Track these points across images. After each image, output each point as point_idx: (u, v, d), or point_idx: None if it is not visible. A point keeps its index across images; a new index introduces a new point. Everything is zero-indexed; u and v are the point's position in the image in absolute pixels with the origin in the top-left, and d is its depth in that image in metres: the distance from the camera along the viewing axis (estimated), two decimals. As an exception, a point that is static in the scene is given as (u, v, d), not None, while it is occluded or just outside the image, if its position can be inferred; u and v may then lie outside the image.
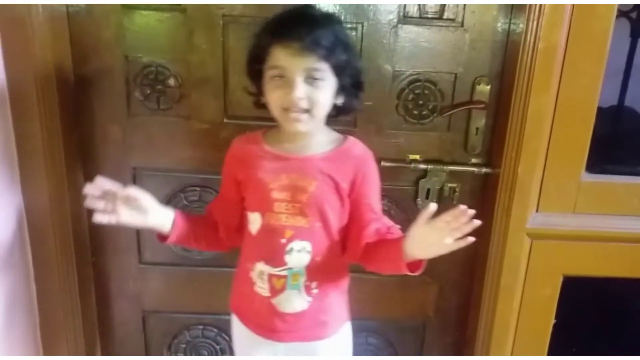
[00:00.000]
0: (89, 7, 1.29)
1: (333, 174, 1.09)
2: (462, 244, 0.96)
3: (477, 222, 0.95)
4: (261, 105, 1.13)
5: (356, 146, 1.14)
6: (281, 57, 1.01)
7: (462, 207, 0.95)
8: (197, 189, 1.47)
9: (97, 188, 1.05)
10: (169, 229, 1.12)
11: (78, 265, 1.43)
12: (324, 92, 1.04)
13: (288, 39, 0.99)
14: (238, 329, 1.23)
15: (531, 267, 1.42)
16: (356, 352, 1.62)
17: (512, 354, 1.51)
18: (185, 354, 1.64)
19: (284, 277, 1.11)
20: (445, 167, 1.41)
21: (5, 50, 1.22)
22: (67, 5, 1.29)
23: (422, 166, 1.41)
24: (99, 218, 1.05)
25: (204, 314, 1.60)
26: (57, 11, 1.27)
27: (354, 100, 1.11)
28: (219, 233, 1.19)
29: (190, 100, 1.37)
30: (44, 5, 1.22)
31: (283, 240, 1.09)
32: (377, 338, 1.63)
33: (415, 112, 1.39)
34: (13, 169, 1.29)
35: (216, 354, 1.64)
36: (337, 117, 1.14)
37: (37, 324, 1.44)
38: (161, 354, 1.64)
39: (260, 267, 1.12)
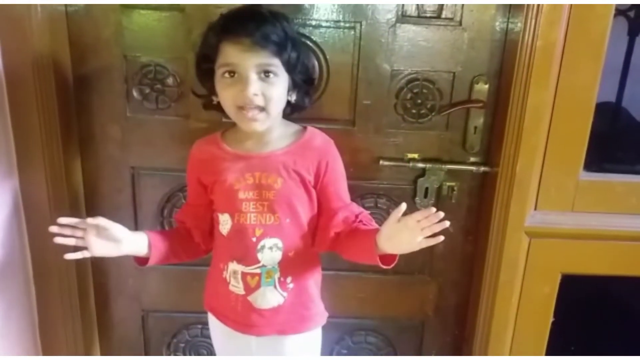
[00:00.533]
0: (88, 7, 1.29)
1: (297, 167, 1.09)
2: (432, 242, 0.98)
3: (447, 223, 0.97)
4: (212, 106, 1.14)
5: (316, 136, 1.14)
6: (232, 54, 1.00)
7: (432, 209, 0.98)
8: (196, 188, 1.47)
9: (63, 224, 1.04)
10: (146, 252, 1.13)
11: (77, 264, 1.43)
12: (278, 87, 1.03)
13: (238, 35, 0.99)
14: (214, 325, 1.24)
15: (529, 265, 1.42)
16: (355, 351, 1.63)
17: (510, 353, 1.51)
18: (184, 354, 1.65)
19: (258, 274, 1.12)
20: (443, 166, 1.41)
21: (4, 50, 1.22)
22: (66, 5, 1.29)
23: (421, 165, 1.41)
24: (71, 256, 1.06)
25: (203, 313, 1.56)
26: (56, 11, 1.27)
27: (306, 97, 1.13)
28: (194, 240, 1.20)
29: (188, 100, 1.37)
30: (42, 5, 1.22)
31: (254, 239, 1.10)
32: (376, 337, 1.63)
33: (414, 111, 1.39)
34: (12, 167, 1.29)
35: (215, 354, 1.63)
36: (291, 115, 1.15)
37: (35, 323, 1.44)
38: (160, 354, 1.64)
39: (233, 266, 1.13)
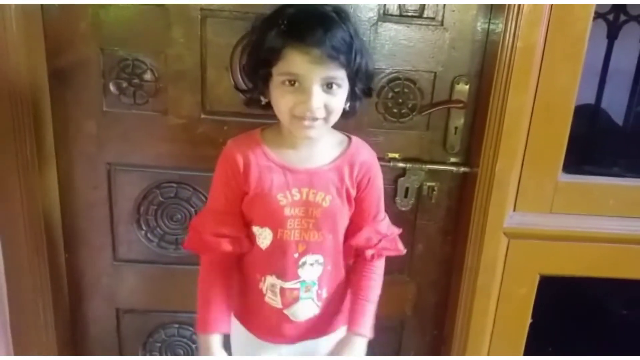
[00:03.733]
0: (64, -1, 1.26)
1: (345, 184, 1.05)
2: None
3: None
4: (255, 104, 1.06)
5: (362, 150, 1.09)
6: (298, 64, 0.92)
7: None
8: (174, 185, 1.44)
9: None
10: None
11: (50, 263, 1.40)
12: (340, 99, 0.97)
13: (306, 44, 0.90)
14: (238, 331, 1.17)
15: (508, 266, 1.43)
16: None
17: (489, 352, 1.51)
18: (160, 353, 1.62)
19: (297, 289, 1.08)
20: (424, 166, 1.41)
21: (-25, 41, 1.19)
22: (41, -4, 1.26)
23: (401, 165, 1.41)
24: None
25: (180, 313, 1.57)
26: (31, 2, 1.24)
27: (358, 104, 1.05)
28: (233, 259, 1.12)
29: (167, 95, 1.35)
30: (16, -4, 1.19)
31: (295, 255, 1.06)
32: (354, 337, 1.62)
33: (395, 110, 1.39)
34: (-18, 163, 1.26)
35: (192, 354, 1.62)
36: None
37: (7, 322, 1.40)
38: (136, 353, 1.61)
39: (272, 280, 1.08)
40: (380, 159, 1.37)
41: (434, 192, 1.44)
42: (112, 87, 1.34)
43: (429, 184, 1.44)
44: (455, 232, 1.49)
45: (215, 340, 1.08)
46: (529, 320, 1.49)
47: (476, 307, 1.45)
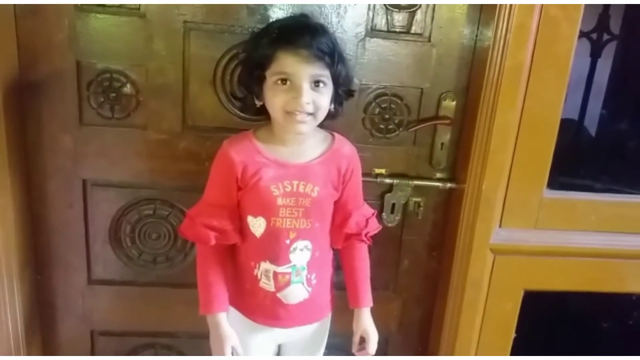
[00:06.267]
0: (39, 8, 1.20)
1: (331, 177, 1.17)
2: None
3: None
4: (250, 109, 1.17)
5: (344, 144, 1.20)
6: (289, 64, 1.04)
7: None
8: (152, 202, 1.40)
9: None
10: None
11: (21, 279, 1.34)
12: (326, 97, 1.09)
13: (296, 46, 1.03)
14: (235, 319, 1.23)
15: (493, 282, 1.43)
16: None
17: (473, 368, 1.51)
18: (136, 377, 1.56)
19: (289, 273, 1.17)
20: (410, 182, 1.40)
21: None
22: (14, 5, 1.20)
23: (388, 180, 1.40)
24: None
25: (157, 336, 1.52)
26: (3, 11, 1.18)
27: (340, 107, 1.17)
28: (227, 248, 1.20)
29: (147, 109, 1.31)
30: (-12, 5, 1.13)
31: (287, 241, 1.15)
32: (338, 353, 1.59)
33: (382, 126, 1.38)
34: (-50, 180, 1.19)
35: None
36: (322, 123, 1.14)
37: (-27, 348, 1.32)
38: (111, 377, 1.55)
39: (265, 266, 1.17)
40: (367, 174, 1.38)
41: (420, 208, 1.44)
42: (89, 101, 1.29)
43: (415, 199, 1.43)
44: (441, 248, 1.49)
45: (223, 317, 1.18)
46: (513, 335, 1.49)
47: (462, 323, 1.44)
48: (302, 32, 1.05)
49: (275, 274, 1.17)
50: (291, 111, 1.06)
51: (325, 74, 1.06)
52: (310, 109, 1.06)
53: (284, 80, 1.05)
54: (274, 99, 1.07)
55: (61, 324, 1.48)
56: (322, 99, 1.08)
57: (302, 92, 1.04)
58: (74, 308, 1.46)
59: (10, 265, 1.30)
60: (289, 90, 1.05)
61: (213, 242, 1.15)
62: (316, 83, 1.06)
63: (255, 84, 1.10)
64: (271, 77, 1.06)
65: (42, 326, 1.47)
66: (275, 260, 1.16)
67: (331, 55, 1.06)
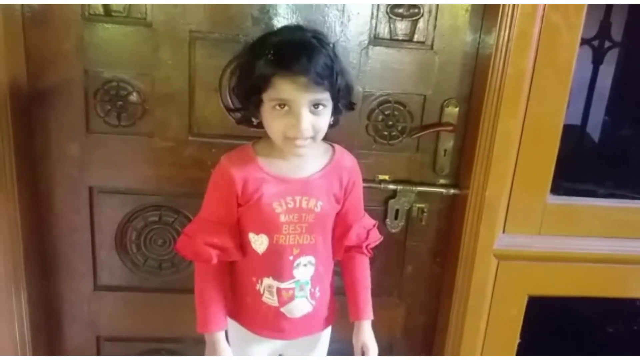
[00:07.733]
0: (48, 17, 1.22)
1: (334, 190, 1.14)
2: None
3: None
4: (247, 122, 1.12)
5: (345, 156, 1.18)
6: (286, 91, 0.99)
7: None
8: (158, 209, 1.41)
9: None
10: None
11: (28, 287, 1.34)
12: (326, 117, 1.06)
13: (293, 72, 0.98)
14: (235, 328, 1.22)
15: (497, 287, 1.43)
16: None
17: (478, 374, 1.51)
18: (142, 382, 1.57)
19: (292, 289, 1.15)
20: (414, 188, 1.41)
21: (-46, 61, 1.14)
22: (22, 13, 1.21)
23: (392, 187, 1.41)
24: None
25: (163, 342, 1.53)
26: (11, 19, 1.20)
27: (340, 117, 1.13)
28: (227, 266, 1.18)
29: (153, 117, 1.32)
30: (-3, 14, 1.15)
31: (290, 258, 1.13)
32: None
33: (385, 132, 1.39)
34: (-41, 188, 1.20)
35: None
36: None
37: (-19, 354, 1.34)
38: (117, 382, 1.55)
39: (268, 282, 1.14)
40: (370, 180, 1.39)
41: (424, 214, 1.44)
42: (96, 109, 1.30)
43: (418, 205, 1.44)
44: (445, 254, 1.49)
45: (220, 335, 1.16)
46: (518, 341, 1.50)
47: (467, 329, 1.45)
48: (298, 55, 0.98)
49: (279, 290, 1.14)
50: (291, 137, 1.03)
51: (324, 97, 1.02)
52: (309, 133, 1.03)
53: (282, 105, 1.01)
54: (273, 124, 1.04)
55: (67, 329, 1.49)
56: (322, 121, 1.04)
57: (302, 119, 1.00)
58: (80, 314, 1.47)
59: (17, 271, 1.31)
60: (288, 115, 1.01)
61: (215, 260, 1.11)
62: (315, 106, 1.02)
63: (253, 105, 1.06)
64: (269, 102, 1.02)
65: (48, 332, 1.48)
66: (278, 277, 1.13)
67: (330, 77, 1.01)
